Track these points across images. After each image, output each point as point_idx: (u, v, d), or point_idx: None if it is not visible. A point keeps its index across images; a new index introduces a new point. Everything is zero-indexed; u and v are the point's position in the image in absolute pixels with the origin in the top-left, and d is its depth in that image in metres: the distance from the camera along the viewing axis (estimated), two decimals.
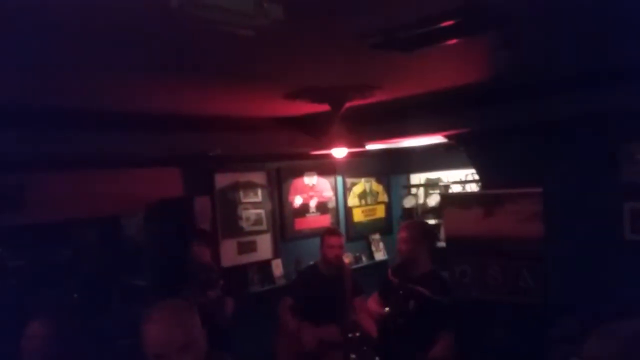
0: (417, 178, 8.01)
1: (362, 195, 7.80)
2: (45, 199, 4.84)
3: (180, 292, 4.70)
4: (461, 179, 7.25)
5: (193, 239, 5.04)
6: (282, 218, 6.78)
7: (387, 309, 4.29)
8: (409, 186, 7.98)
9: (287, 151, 6.21)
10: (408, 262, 4.25)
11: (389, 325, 4.21)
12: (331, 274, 5.04)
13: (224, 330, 4.68)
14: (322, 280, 5.02)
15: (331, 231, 5.30)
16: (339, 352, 4.80)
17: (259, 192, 6.56)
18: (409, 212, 7.86)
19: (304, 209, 7.03)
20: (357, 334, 5.02)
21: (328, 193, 7.33)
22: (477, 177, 6.47)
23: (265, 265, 6.54)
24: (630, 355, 1.44)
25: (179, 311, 2.21)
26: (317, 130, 4.57)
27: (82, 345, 3.24)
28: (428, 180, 7.85)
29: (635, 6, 2.42)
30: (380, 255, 7.81)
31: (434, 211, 7.52)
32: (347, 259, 7.28)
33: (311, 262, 5.47)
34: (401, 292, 4.14)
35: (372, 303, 4.57)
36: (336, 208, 7.42)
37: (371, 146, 5.68)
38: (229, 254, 6.22)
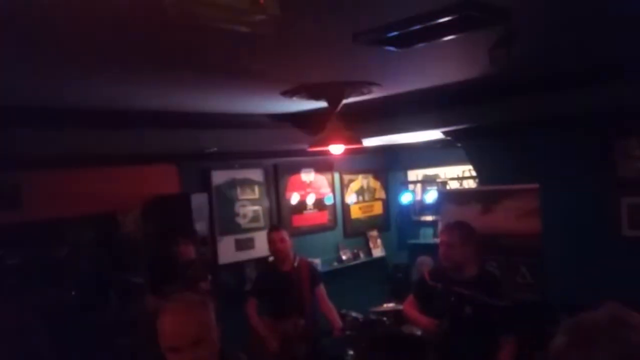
0: (414, 174, 8.01)
1: (360, 192, 7.80)
2: (43, 197, 4.84)
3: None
4: (458, 175, 7.26)
5: (180, 237, 5.09)
6: (280, 214, 6.78)
7: (435, 318, 4.03)
8: (406, 182, 7.98)
9: (284, 148, 6.21)
10: (454, 266, 3.88)
11: (447, 334, 3.85)
12: (286, 269, 5.19)
13: None
14: (277, 276, 5.17)
15: (271, 227, 5.52)
16: (301, 344, 5.04)
17: (256, 188, 6.56)
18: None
19: (302, 205, 7.03)
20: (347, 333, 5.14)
21: (325, 190, 7.32)
22: (474, 173, 6.47)
23: (263, 261, 6.53)
24: (584, 345, 1.48)
25: (193, 306, 2.24)
26: (314, 126, 4.57)
27: None
28: (425, 176, 7.86)
29: (630, 5, 2.42)
30: (378, 251, 7.81)
31: (432, 207, 7.52)
32: (344, 255, 7.32)
33: (269, 260, 5.61)
34: (452, 298, 3.80)
35: (411, 308, 4.22)
36: (334, 204, 7.42)
37: (368, 143, 5.67)
38: (227, 250, 6.22)
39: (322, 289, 5.32)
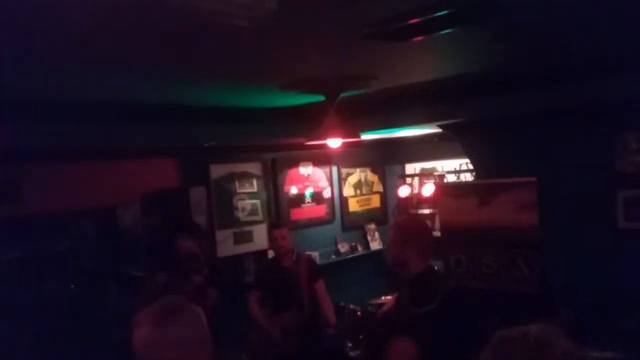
0: (412, 168, 8.03)
1: (358, 185, 7.82)
2: (42, 190, 4.85)
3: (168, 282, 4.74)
4: (456, 168, 7.28)
5: (180, 232, 5.10)
6: (278, 208, 6.80)
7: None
8: (404, 176, 8.00)
9: (282, 142, 6.22)
10: (398, 263, 3.94)
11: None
12: (287, 264, 5.37)
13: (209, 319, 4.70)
14: (278, 271, 5.35)
15: (272, 224, 5.81)
16: (296, 336, 5.20)
17: (255, 182, 6.57)
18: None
19: (300, 199, 7.05)
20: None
21: (323, 183, 7.34)
22: (471, 166, 6.49)
23: (262, 255, 6.56)
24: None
25: (167, 319, 2.11)
26: (312, 120, 4.58)
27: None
28: (423, 170, 7.88)
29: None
30: (375, 244, 7.84)
31: (429, 201, 7.54)
32: (342, 248, 7.34)
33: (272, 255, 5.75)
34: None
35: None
36: (331, 198, 7.44)
37: (366, 136, 5.69)
38: (225, 244, 6.24)
39: (321, 284, 5.45)
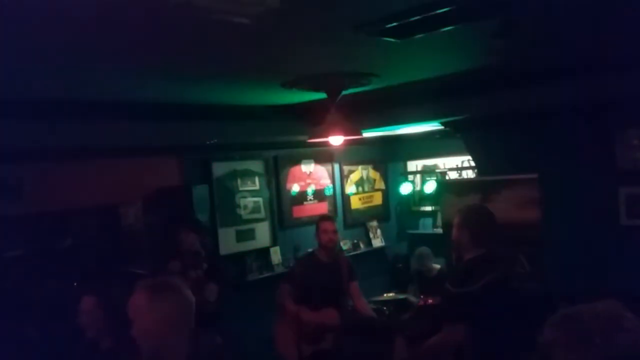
0: (413, 165, 8.03)
1: (360, 183, 7.81)
2: (45, 189, 4.86)
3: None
4: (458, 165, 7.27)
5: (182, 228, 5.11)
6: (280, 206, 6.80)
7: None
8: (406, 173, 8.00)
9: (284, 139, 6.22)
10: (455, 248, 3.97)
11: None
12: (328, 260, 5.21)
13: (209, 314, 4.69)
14: (319, 267, 5.18)
15: (325, 217, 5.54)
16: (336, 336, 4.94)
17: (257, 180, 6.57)
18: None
19: (302, 196, 7.05)
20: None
21: (325, 180, 7.34)
22: (473, 163, 6.49)
23: (264, 252, 6.57)
24: (588, 338, 1.49)
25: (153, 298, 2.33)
26: (314, 118, 4.58)
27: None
28: (425, 167, 7.87)
29: None
30: (377, 242, 7.83)
31: (431, 198, 7.54)
32: (344, 245, 7.34)
33: (309, 250, 5.60)
34: None
35: None
36: (334, 195, 7.43)
37: (368, 134, 5.69)
38: (228, 242, 6.24)
39: (356, 284, 5.34)
